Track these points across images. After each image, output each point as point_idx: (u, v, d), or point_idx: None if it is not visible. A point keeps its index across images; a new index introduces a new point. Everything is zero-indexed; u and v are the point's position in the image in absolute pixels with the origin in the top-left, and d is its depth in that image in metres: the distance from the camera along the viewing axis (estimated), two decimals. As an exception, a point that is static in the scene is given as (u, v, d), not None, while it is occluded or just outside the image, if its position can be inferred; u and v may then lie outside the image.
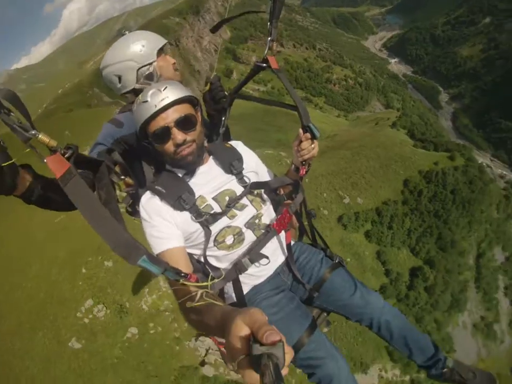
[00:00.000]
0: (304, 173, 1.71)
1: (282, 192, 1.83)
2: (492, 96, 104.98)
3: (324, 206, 36.00)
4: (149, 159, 1.61)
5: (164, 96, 1.37)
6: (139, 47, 1.68)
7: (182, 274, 1.11)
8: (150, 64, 1.71)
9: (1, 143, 1.01)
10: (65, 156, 1.05)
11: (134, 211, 1.76)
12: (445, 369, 1.81)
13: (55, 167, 0.99)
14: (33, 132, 0.96)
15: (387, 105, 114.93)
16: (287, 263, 1.67)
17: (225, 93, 1.95)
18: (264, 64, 1.73)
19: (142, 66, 1.70)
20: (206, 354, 20.27)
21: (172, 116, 1.39)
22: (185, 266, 1.36)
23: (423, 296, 35.10)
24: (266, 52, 1.71)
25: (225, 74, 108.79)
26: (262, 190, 1.67)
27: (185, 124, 1.42)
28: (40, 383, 17.92)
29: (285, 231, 1.66)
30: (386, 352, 30.62)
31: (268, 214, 1.66)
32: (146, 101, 1.38)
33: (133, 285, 20.63)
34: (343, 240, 35.04)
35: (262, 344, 0.60)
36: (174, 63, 1.84)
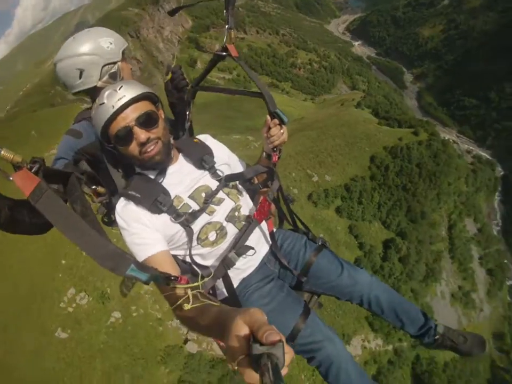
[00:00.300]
0: (276, 159, 1.70)
1: (257, 181, 1.82)
2: (454, 75, 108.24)
3: (293, 185, 36.96)
4: (116, 164, 1.54)
5: (120, 95, 1.33)
6: (107, 44, 1.61)
7: (172, 278, 1.10)
8: (115, 63, 1.66)
9: None
10: (33, 171, 1.00)
11: (110, 221, 1.70)
12: (437, 336, 1.84)
13: (23, 184, 0.94)
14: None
15: (353, 87, 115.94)
16: (272, 251, 1.68)
17: (187, 81, 1.89)
18: (224, 53, 1.71)
19: (107, 64, 1.63)
20: (188, 332, 21.02)
21: (131, 115, 1.35)
22: (173, 269, 1.31)
23: (397, 267, 36.71)
24: (225, 40, 1.69)
25: (189, 64, 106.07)
26: (237, 182, 1.66)
27: (146, 121, 1.38)
28: (31, 376, 18.32)
29: (266, 220, 1.66)
30: (367, 323, 32.05)
31: (246, 204, 1.66)
32: (103, 103, 1.34)
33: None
34: (314, 217, 36.28)
35: (261, 344, 0.61)
36: (131, 68, 1.83)
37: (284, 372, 0.59)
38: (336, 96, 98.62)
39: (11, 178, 0.92)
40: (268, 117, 1.62)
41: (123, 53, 1.70)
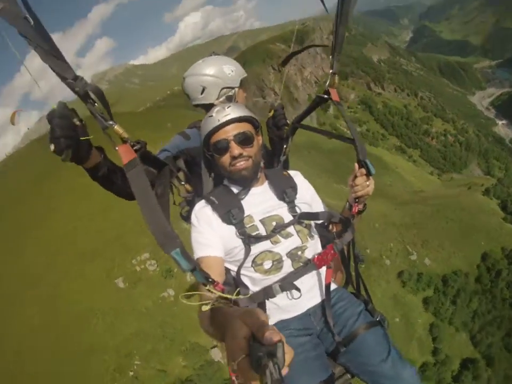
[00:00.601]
0: (356, 210, 1.65)
1: (334, 229, 1.76)
2: None
3: (387, 255, 34.45)
4: (210, 171, 1.72)
5: (227, 113, 1.51)
6: (229, 71, 1.85)
7: (210, 279, 1.14)
8: (232, 88, 1.88)
9: (83, 122, 1.16)
10: (134, 148, 1.17)
11: (187, 216, 1.83)
12: None
13: (124, 155, 1.12)
14: (110, 122, 1.10)
15: (487, 172, 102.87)
16: (322, 305, 1.56)
17: (287, 121, 2.02)
18: (326, 96, 1.75)
19: (226, 87, 1.85)
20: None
21: (231, 131, 1.51)
22: (217, 275, 1.37)
23: (468, 395, 30.29)
24: (328, 83, 1.73)
25: (322, 108, 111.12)
26: (312, 224, 1.67)
27: (243, 139, 1.52)
28: (84, 309, 20.73)
29: (327, 268, 1.55)
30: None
31: (313, 249, 1.62)
32: (212, 116, 1.54)
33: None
34: (396, 297, 32.83)
35: (262, 344, 0.61)
36: (246, 96, 2.04)
37: (284, 372, 0.59)
38: (465, 177, 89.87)
39: (116, 148, 1.12)
40: (356, 166, 1.59)
41: (241, 81, 1.91)
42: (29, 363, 18.99)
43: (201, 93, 1.84)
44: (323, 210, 1.77)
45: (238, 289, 1.30)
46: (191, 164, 1.83)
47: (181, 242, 1.02)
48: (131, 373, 19.73)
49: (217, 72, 1.82)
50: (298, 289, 1.40)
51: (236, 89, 1.89)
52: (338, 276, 1.71)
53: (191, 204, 1.79)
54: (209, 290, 1.14)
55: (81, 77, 1.04)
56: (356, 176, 1.59)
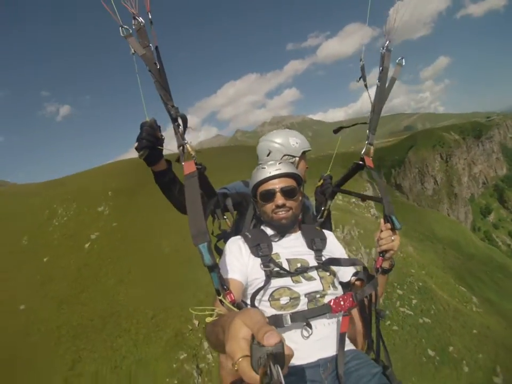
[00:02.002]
0: (380, 264, 1.66)
1: (359, 285, 1.69)
2: None
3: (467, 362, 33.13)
4: (254, 214, 1.92)
5: (278, 167, 1.74)
6: (294, 142, 2.14)
7: (225, 287, 1.23)
8: (294, 156, 2.13)
9: (163, 136, 1.51)
10: (196, 166, 1.42)
11: (219, 249, 1.89)
12: None
13: (187, 167, 1.40)
14: (185, 141, 1.43)
15: None
16: (335, 360, 1.43)
17: (333, 190, 2.17)
18: (361, 162, 1.92)
19: (288, 155, 2.12)
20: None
21: (279, 183, 1.72)
22: (235, 295, 1.32)
23: None
24: (363, 152, 1.90)
25: (481, 211, 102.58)
26: (337, 275, 1.67)
27: (287, 192, 1.71)
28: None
29: (343, 316, 1.47)
30: None
31: (333, 298, 1.53)
32: (264, 168, 1.76)
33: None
34: None
35: (262, 345, 0.61)
36: (307, 168, 2.26)
37: (284, 372, 0.59)
38: None
39: (183, 163, 1.43)
40: (382, 221, 1.70)
41: (303, 152, 2.18)
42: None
43: (267, 155, 2.12)
44: (351, 271, 1.73)
45: (248, 306, 1.41)
46: (238, 205, 2.05)
47: (210, 240, 1.21)
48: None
49: (283, 141, 2.12)
50: (309, 325, 1.38)
51: (297, 158, 2.14)
52: (359, 339, 1.65)
53: (226, 238, 1.87)
54: (221, 301, 1.22)
55: (176, 107, 1.43)
56: (381, 231, 1.67)
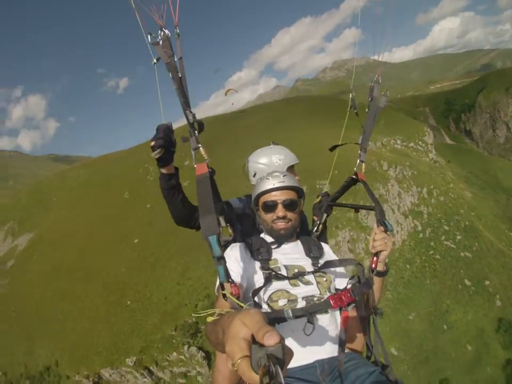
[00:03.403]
0: (375, 264, 1.71)
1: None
2: None
3: None
4: (257, 224, 1.99)
5: (282, 180, 1.79)
6: (277, 160, 2.18)
7: (230, 279, 1.28)
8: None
9: (176, 140, 1.61)
10: (208, 167, 1.52)
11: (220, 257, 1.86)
12: None
13: (199, 169, 1.48)
14: (199, 145, 1.56)
15: None
16: (333, 362, 1.44)
17: (330, 208, 2.23)
18: (354, 176, 2.10)
19: (274, 172, 2.05)
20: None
21: (281, 196, 1.77)
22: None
23: None
24: (356, 169, 2.10)
25: None
26: (333, 281, 1.69)
27: (289, 204, 1.77)
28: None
29: (342, 311, 1.50)
30: None
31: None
32: (269, 179, 1.81)
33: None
34: None
35: (261, 345, 0.62)
36: (298, 180, 2.19)
37: (284, 373, 0.59)
38: None
39: (195, 166, 1.49)
40: (375, 225, 1.79)
41: (289, 167, 2.21)
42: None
43: (253, 176, 2.21)
44: (345, 281, 1.72)
45: (250, 303, 1.43)
46: (243, 217, 2.10)
47: (219, 234, 1.27)
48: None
49: (266, 161, 2.18)
50: (311, 321, 1.38)
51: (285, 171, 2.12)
52: (357, 343, 1.68)
53: (227, 246, 1.87)
54: (224, 296, 1.26)
55: (194, 113, 1.53)
56: (375, 233, 1.74)
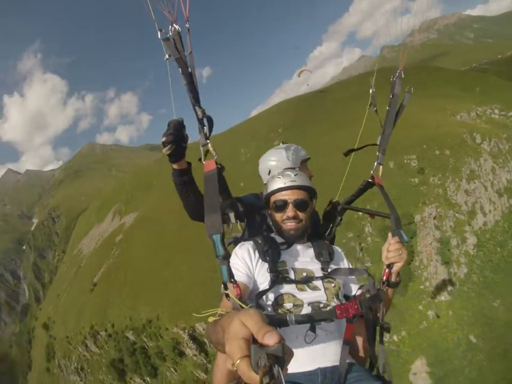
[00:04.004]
0: (387, 277, 1.64)
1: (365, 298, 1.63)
2: None
3: None
4: (267, 221, 1.94)
5: (293, 179, 1.75)
6: (289, 155, 2.17)
7: (233, 280, 1.27)
8: (293, 168, 2.12)
9: (187, 136, 1.61)
10: (216, 164, 1.51)
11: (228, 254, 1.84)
12: None
13: (207, 165, 1.48)
14: (208, 142, 1.53)
15: None
16: (335, 371, 1.45)
17: (341, 217, 2.22)
18: (371, 180, 2.00)
19: (287, 168, 2.11)
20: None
21: (292, 195, 1.73)
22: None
23: None
24: (372, 172, 2.01)
25: None
26: (342, 289, 1.67)
27: (300, 204, 1.73)
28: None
29: (347, 323, 1.49)
30: None
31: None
32: (280, 178, 1.78)
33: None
34: None
35: (262, 345, 0.61)
36: (311, 175, 2.25)
37: (284, 373, 0.59)
38: None
39: (203, 162, 1.50)
40: (390, 234, 1.69)
41: (302, 161, 2.23)
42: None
43: (268, 174, 2.18)
44: (355, 287, 1.77)
45: (252, 304, 1.42)
46: (250, 216, 2.03)
47: (223, 233, 1.26)
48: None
49: (279, 157, 2.17)
50: (314, 329, 1.42)
51: (297, 169, 2.14)
52: (361, 354, 1.67)
53: (236, 243, 1.89)
54: (227, 295, 1.27)
55: (203, 108, 1.51)
56: (389, 244, 1.66)
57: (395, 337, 23.53)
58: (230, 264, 1.40)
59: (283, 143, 2.39)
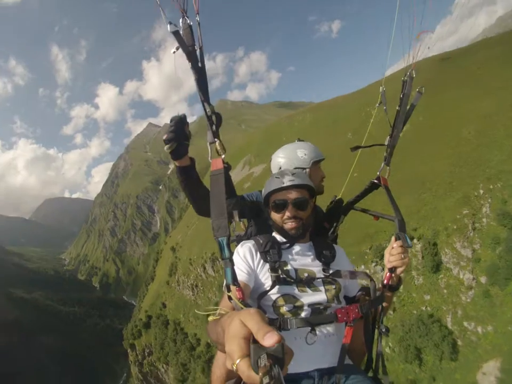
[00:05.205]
0: (388, 280, 1.64)
1: (365, 300, 1.63)
2: None
3: None
4: (267, 221, 1.86)
5: (292, 178, 1.72)
6: (302, 154, 2.13)
7: (236, 283, 1.24)
8: (304, 168, 2.11)
9: (190, 133, 1.58)
10: (224, 162, 1.48)
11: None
12: None
13: (214, 164, 1.45)
14: (216, 139, 1.51)
15: None
16: (331, 372, 1.45)
17: (343, 216, 2.17)
18: (376, 181, 1.98)
19: (297, 167, 2.11)
20: None
21: (291, 194, 1.71)
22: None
23: None
24: (379, 173, 1.98)
25: None
26: (342, 290, 1.66)
27: (299, 204, 1.70)
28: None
29: (347, 327, 1.47)
30: None
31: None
32: (278, 177, 1.75)
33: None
34: None
35: (261, 345, 0.61)
36: (324, 177, 2.23)
37: (284, 373, 0.59)
38: None
39: (210, 160, 1.45)
40: (393, 238, 1.70)
41: (314, 162, 2.15)
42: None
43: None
44: (356, 288, 1.75)
45: (252, 308, 1.24)
46: (256, 214, 2.02)
47: (229, 235, 1.25)
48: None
49: (291, 155, 2.14)
50: (314, 332, 1.43)
51: (307, 169, 2.12)
52: (359, 355, 1.69)
53: (239, 241, 1.87)
54: (229, 297, 1.24)
55: (212, 105, 1.50)
56: (392, 247, 1.67)
57: (479, 329, 22.30)
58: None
59: (299, 140, 2.34)
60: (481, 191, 26.04)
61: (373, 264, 29.53)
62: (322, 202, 2.18)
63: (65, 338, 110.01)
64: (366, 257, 30.55)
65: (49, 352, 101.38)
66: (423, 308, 25.22)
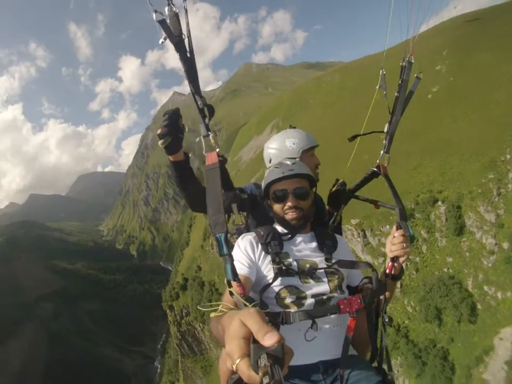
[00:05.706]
0: (390, 270, 1.65)
1: (368, 290, 1.65)
2: None
3: None
4: (268, 212, 1.86)
5: (291, 168, 1.70)
6: (290, 144, 2.07)
7: (236, 278, 1.24)
8: (294, 158, 2.00)
9: (184, 126, 1.54)
10: (219, 157, 1.45)
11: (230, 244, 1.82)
12: None
13: (209, 158, 1.42)
14: (209, 133, 1.48)
15: None
16: (336, 363, 1.47)
17: (345, 199, 2.12)
18: (376, 169, 1.94)
19: (288, 158, 2.00)
20: None
21: (291, 184, 1.70)
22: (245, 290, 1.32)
23: None
24: (378, 161, 1.94)
25: None
26: (345, 279, 1.66)
27: (300, 194, 1.70)
28: None
29: (350, 318, 1.47)
30: None
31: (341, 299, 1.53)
32: (278, 168, 1.74)
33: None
34: None
35: (261, 345, 0.61)
36: (318, 164, 2.16)
37: (284, 372, 0.59)
38: None
39: (204, 153, 1.44)
40: (394, 227, 1.68)
41: (304, 151, 2.08)
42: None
43: (269, 162, 2.12)
44: (357, 275, 1.76)
45: (256, 302, 1.28)
46: (258, 205, 1.98)
47: (228, 231, 1.25)
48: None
49: (279, 145, 2.09)
50: (316, 325, 1.40)
51: (297, 159, 2.03)
52: (363, 346, 1.66)
53: (239, 234, 1.87)
54: (231, 293, 1.24)
55: (204, 97, 1.48)
56: (394, 237, 1.65)
57: (499, 294, 22.55)
58: (233, 256, 1.37)
59: (291, 126, 2.28)
60: (508, 156, 25.54)
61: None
62: (325, 188, 2.20)
63: (107, 304, 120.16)
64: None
65: (92, 317, 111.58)
66: (445, 270, 25.72)
